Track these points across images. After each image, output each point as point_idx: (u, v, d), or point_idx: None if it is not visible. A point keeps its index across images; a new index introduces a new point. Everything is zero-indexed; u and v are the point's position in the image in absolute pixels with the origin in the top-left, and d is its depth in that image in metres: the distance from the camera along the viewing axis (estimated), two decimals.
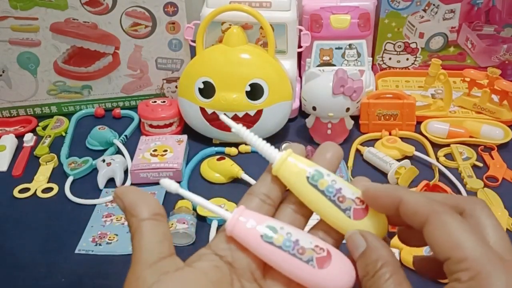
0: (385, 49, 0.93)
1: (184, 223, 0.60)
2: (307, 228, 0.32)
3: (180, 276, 0.27)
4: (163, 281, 0.26)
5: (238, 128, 0.31)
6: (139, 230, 0.28)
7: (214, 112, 0.75)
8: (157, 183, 0.70)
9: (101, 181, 0.70)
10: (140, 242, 0.27)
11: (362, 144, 0.78)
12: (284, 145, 0.32)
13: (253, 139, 0.31)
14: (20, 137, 0.81)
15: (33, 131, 0.83)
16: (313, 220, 0.32)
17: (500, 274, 0.23)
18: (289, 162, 0.30)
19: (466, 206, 0.27)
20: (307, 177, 0.29)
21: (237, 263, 0.29)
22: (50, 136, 0.81)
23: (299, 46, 0.82)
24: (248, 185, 0.69)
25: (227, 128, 0.75)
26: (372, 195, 0.29)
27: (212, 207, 0.30)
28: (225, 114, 0.33)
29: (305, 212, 0.32)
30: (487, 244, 0.25)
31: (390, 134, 0.78)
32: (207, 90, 0.74)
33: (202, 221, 0.63)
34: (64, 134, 0.82)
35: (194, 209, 0.63)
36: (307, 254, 0.28)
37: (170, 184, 0.29)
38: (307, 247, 0.28)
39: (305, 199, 0.30)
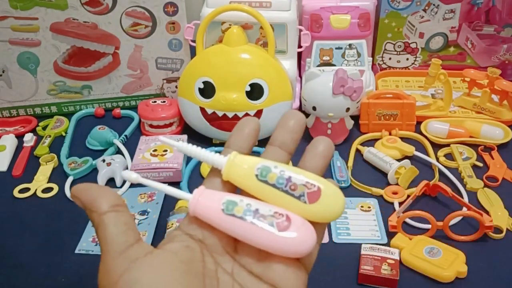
0: (385, 49, 0.93)
1: None
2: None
3: (150, 260, 0.27)
4: (133, 268, 0.27)
5: (179, 146, 0.33)
6: (102, 223, 0.28)
7: (214, 112, 0.75)
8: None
9: (101, 181, 0.70)
10: (105, 234, 0.28)
11: (362, 144, 0.78)
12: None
13: (197, 151, 0.32)
14: (20, 137, 0.81)
15: (33, 131, 0.83)
16: None
17: None
18: (236, 164, 0.31)
19: None
20: (256, 175, 0.30)
21: (208, 240, 0.30)
22: (50, 136, 0.81)
23: (299, 46, 0.82)
24: None
25: (227, 128, 0.75)
26: None
27: (172, 190, 0.31)
28: (163, 136, 0.36)
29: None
30: None
31: (390, 134, 0.78)
32: (207, 90, 0.74)
33: None
34: (64, 134, 0.82)
35: None
36: (267, 220, 0.29)
37: (130, 175, 0.31)
38: (267, 215, 0.29)
39: (259, 195, 0.31)
